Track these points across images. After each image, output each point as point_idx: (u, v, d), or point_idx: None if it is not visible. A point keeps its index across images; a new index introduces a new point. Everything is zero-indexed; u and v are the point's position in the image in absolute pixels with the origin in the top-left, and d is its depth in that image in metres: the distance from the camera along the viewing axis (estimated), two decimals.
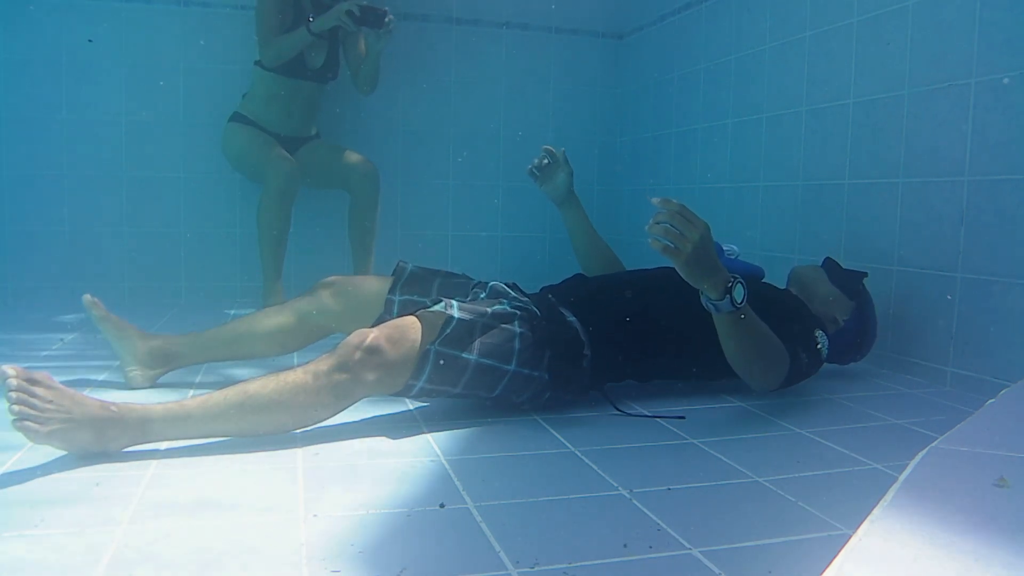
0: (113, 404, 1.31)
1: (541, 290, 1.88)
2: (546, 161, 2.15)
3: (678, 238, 1.41)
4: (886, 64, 2.17)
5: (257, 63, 3.00)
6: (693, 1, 3.14)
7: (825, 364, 1.83)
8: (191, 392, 1.76)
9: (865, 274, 2.00)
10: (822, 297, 1.94)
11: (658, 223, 1.42)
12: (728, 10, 2.91)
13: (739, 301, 1.46)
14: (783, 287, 1.99)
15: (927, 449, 0.98)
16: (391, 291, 1.90)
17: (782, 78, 2.61)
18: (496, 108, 3.65)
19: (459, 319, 1.52)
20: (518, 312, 1.62)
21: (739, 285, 1.46)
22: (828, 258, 2.06)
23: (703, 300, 1.50)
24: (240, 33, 3.24)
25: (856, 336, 1.97)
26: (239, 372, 1.95)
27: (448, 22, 3.56)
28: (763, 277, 1.92)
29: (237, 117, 3.05)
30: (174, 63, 3.25)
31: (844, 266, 2.04)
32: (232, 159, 3.11)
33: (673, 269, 1.45)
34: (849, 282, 1.97)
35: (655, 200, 1.43)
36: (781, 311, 1.72)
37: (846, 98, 2.31)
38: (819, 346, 1.76)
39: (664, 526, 1.08)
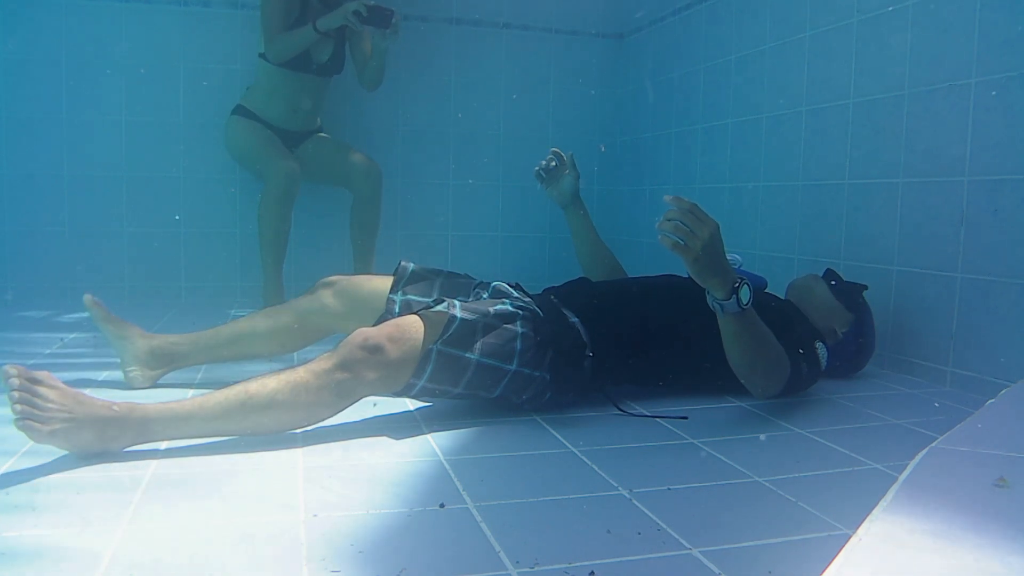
0: (115, 403, 1.31)
1: (544, 291, 1.88)
2: (553, 164, 2.14)
3: (688, 235, 1.41)
4: (886, 64, 2.17)
5: (261, 55, 2.99)
6: (693, 1, 3.14)
7: (822, 376, 1.83)
8: (191, 392, 1.76)
9: (865, 287, 2.00)
10: (822, 309, 1.94)
11: (669, 220, 1.42)
12: (728, 10, 2.91)
13: (745, 302, 1.47)
14: (783, 298, 1.99)
15: (927, 449, 0.98)
16: (392, 291, 1.90)
17: (782, 78, 2.61)
18: (496, 108, 3.65)
19: (462, 319, 1.52)
20: (520, 312, 1.62)
21: (745, 286, 1.46)
22: (829, 269, 2.06)
23: (709, 300, 1.50)
24: (240, 33, 3.24)
25: (854, 348, 1.97)
26: (239, 372, 1.94)
27: (448, 22, 3.56)
28: (766, 287, 1.92)
29: (240, 110, 3.04)
30: (174, 63, 3.25)
31: (845, 278, 2.04)
32: (234, 154, 3.11)
33: (677, 276, 1.45)
34: (849, 294, 1.97)
35: (667, 198, 1.44)
36: (782, 321, 1.72)
37: (846, 98, 2.31)
38: (819, 357, 1.77)
39: (664, 526, 1.08)
